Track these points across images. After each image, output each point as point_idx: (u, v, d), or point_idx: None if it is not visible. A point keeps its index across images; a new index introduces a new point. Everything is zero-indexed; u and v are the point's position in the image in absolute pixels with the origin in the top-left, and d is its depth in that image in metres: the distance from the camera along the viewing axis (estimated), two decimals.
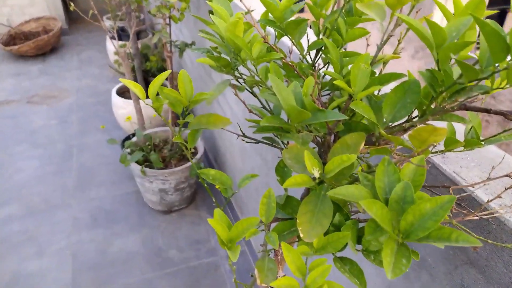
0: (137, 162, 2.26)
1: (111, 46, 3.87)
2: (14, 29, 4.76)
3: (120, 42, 3.13)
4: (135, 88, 0.58)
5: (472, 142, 0.54)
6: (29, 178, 2.78)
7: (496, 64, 0.38)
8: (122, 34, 3.87)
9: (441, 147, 0.65)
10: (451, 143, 0.54)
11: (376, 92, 0.63)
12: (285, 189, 0.65)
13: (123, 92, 3.08)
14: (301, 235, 0.46)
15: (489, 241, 0.56)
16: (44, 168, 2.89)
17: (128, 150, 2.29)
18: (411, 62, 5.57)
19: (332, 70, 0.58)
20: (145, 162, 2.31)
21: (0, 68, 4.40)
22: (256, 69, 0.58)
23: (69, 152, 3.07)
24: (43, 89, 3.99)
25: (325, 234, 0.51)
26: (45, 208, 2.54)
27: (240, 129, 0.69)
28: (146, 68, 3.06)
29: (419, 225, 0.36)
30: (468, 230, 0.57)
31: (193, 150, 2.46)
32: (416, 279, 0.81)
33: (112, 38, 3.06)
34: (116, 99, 2.88)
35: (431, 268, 0.76)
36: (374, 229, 0.40)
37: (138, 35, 4.14)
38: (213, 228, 2.33)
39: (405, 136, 0.57)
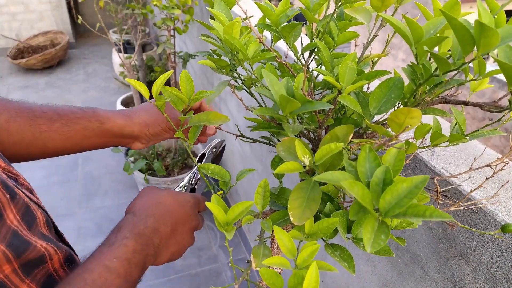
0: (140, 170, 2.30)
1: (117, 58, 3.96)
2: (22, 43, 4.87)
3: (126, 55, 3.20)
4: (140, 87, 0.62)
5: (457, 136, 0.57)
6: (35, 187, 2.79)
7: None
8: (127, 47, 3.95)
9: (427, 142, 0.68)
10: (436, 138, 0.57)
11: (366, 91, 0.67)
12: (280, 181, 0.68)
13: (128, 103, 3.15)
14: (292, 219, 0.49)
15: (473, 229, 0.59)
16: (50, 178, 2.93)
17: (132, 158, 2.34)
18: (403, 65, 5.68)
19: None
20: (148, 170, 2.35)
21: (8, 80, 4.49)
22: (252, 69, 0.62)
23: (75, 162, 3.12)
24: (49, 101, 4.05)
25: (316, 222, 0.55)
26: None
27: (239, 130, 0.73)
28: (151, 79, 3.13)
29: (397, 203, 0.39)
30: (453, 219, 0.60)
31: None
32: (409, 274, 0.83)
33: (119, 50, 3.14)
34: None
35: (423, 263, 0.79)
36: (357, 210, 0.44)
37: (144, 47, 4.23)
38: (214, 236, 2.35)
39: (390, 129, 0.61)
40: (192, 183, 0.77)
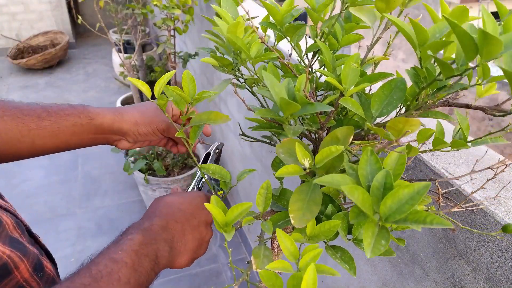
0: (140, 170, 2.30)
1: (117, 58, 3.96)
2: (22, 43, 4.87)
3: (126, 55, 3.20)
4: (142, 86, 0.62)
5: (459, 143, 0.56)
6: (36, 187, 2.82)
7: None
8: (128, 47, 3.95)
9: (429, 146, 0.69)
10: (438, 143, 0.57)
11: (368, 92, 0.67)
12: (281, 182, 0.68)
13: (128, 103, 3.15)
14: (292, 221, 0.49)
15: (474, 230, 0.59)
16: (50, 178, 2.93)
17: (132, 158, 2.34)
18: (403, 65, 5.65)
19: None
20: (149, 170, 2.35)
21: (8, 80, 4.49)
22: (254, 68, 0.63)
23: (74, 162, 3.12)
24: (49, 101, 4.05)
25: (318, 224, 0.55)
26: (50, 216, 2.58)
27: (241, 129, 0.73)
28: (151, 79, 3.13)
29: (397, 209, 0.38)
30: (455, 221, 0.60)
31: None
32: (409, 274, 0.84)
33: (119, 51, 3.14)
34: None
35: (423, 263, 0.79)
36: (357, 214, 0.43)
37: (144, 48, 4.23)
38: (214, 236, 2.35)
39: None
40: (200, 186, 0.82)
